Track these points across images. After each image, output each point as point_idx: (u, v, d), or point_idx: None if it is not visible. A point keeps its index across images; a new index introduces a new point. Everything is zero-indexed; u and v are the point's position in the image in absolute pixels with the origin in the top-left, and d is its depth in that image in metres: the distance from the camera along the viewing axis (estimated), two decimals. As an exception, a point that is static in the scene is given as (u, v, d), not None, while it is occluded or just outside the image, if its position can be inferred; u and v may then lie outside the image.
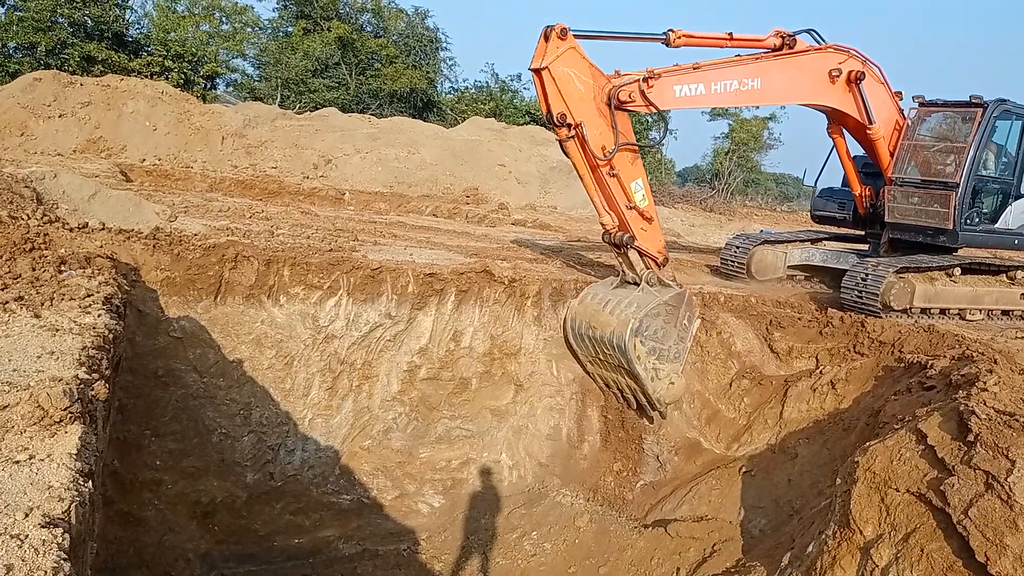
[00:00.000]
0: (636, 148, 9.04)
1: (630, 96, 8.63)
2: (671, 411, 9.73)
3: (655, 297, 9.16)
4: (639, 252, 9.34)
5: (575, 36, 8.26)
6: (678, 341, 9.40)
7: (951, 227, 10.46)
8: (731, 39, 9.35)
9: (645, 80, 8.63)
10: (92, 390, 4.35)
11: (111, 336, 5.40)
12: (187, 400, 8.22)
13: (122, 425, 7.59)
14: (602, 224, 9.31)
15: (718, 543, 8.15)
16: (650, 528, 8.79)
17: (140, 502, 7.86)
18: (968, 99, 10.64)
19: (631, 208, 9.05)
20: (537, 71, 8.26)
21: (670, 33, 8.87)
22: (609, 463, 10.12)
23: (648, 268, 9.43)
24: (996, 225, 11.03)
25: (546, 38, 8.13)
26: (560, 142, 8.72)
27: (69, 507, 3.15)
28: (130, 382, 7.72)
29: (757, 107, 45.32)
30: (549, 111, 8.39)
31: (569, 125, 8.39)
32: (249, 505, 8.60)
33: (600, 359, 9.63)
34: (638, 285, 9.39)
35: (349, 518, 9.10)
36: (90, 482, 3.57)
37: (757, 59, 9.49)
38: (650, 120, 40.87)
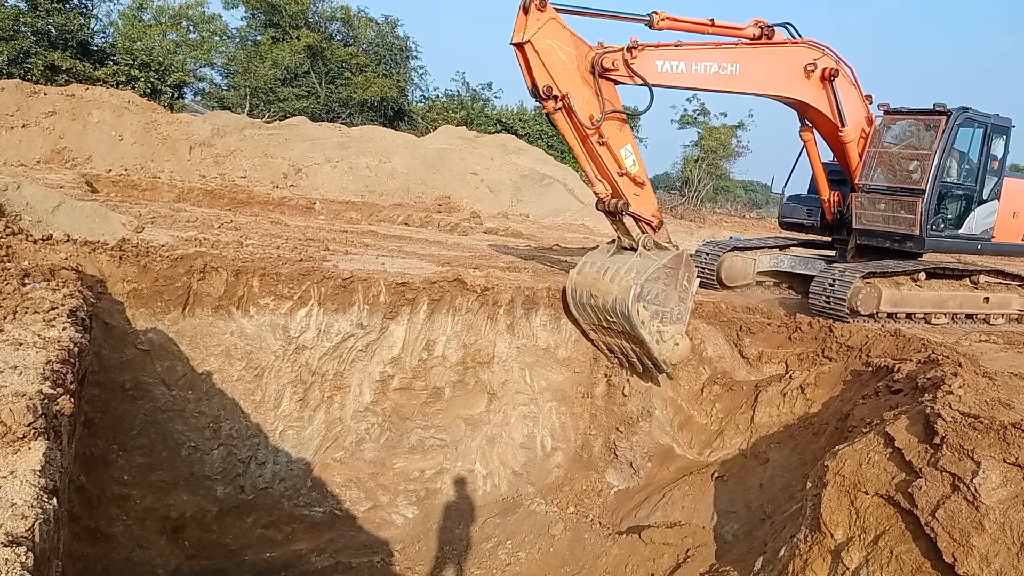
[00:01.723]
0: (623, 116, 9.11)
1: (613, 64, 8.67)
2: (644, 417, 9.77)
3: (654, 261, 9.17)
4: (634, 218, 9.40)
5: (556, 10, 8.27)
6: (679, 302, 9.45)
7: (917, 233, 10.65)
8: (712, 25, 9.50)
9: (629, 50, 8.69)
10: (57, 405, 4.27)
11: (76, 349, 5.31)
12: (155, 414, 8.09)
13: (89, 440, 7.45)
14: (595, 193, 9.43)
15: (692, 549, 8.18)
16: (624, 535, 8.81)
17: (108, 518, 7.71)
18: (932, 107, 10.85)
19: (623, 175, 9.12)
20: (519, 45, 8.24)
21: (654, 15, 8.94)
22: (583, 470, 10.13)
23: (644, 232, 9.49)
24: (960, 231, 11.26)
25: (525, 11, 8.10)
26: (547, 115, 8.75)
27: (33, 525, 3.09)
28: (97, 396, 7.58)
29: (726, 115, 45.91)
30: (534, 85, 8.40)
31: (555, 97, 8.42)
32: (220, 519, 8.47)
33: (603, 327, 9.65)
34: (635, 250, 9.41)
35: (321, 531, 9.00)
36: (55, 499, 3.51)
37: (737, 45, 9.65)
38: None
